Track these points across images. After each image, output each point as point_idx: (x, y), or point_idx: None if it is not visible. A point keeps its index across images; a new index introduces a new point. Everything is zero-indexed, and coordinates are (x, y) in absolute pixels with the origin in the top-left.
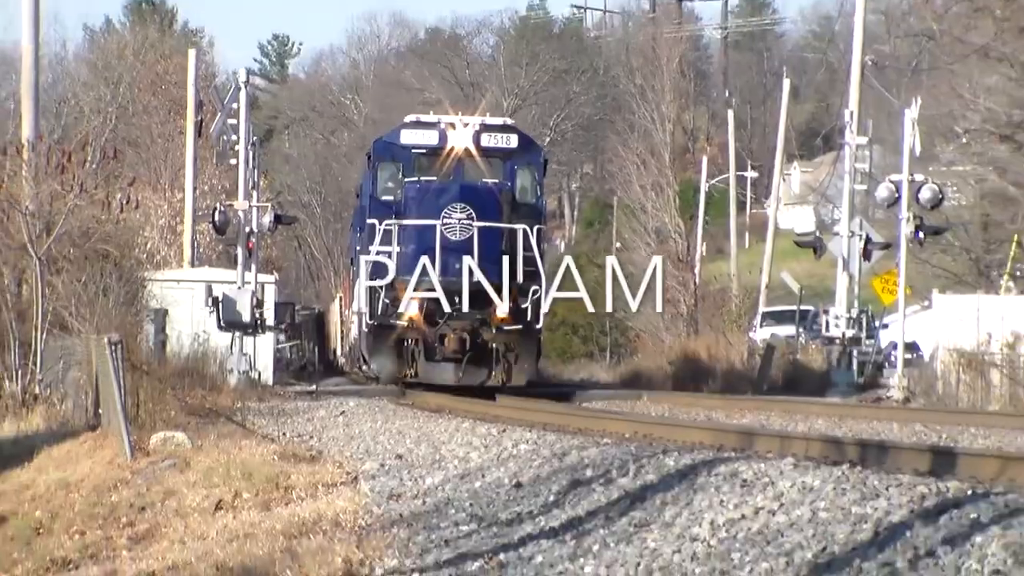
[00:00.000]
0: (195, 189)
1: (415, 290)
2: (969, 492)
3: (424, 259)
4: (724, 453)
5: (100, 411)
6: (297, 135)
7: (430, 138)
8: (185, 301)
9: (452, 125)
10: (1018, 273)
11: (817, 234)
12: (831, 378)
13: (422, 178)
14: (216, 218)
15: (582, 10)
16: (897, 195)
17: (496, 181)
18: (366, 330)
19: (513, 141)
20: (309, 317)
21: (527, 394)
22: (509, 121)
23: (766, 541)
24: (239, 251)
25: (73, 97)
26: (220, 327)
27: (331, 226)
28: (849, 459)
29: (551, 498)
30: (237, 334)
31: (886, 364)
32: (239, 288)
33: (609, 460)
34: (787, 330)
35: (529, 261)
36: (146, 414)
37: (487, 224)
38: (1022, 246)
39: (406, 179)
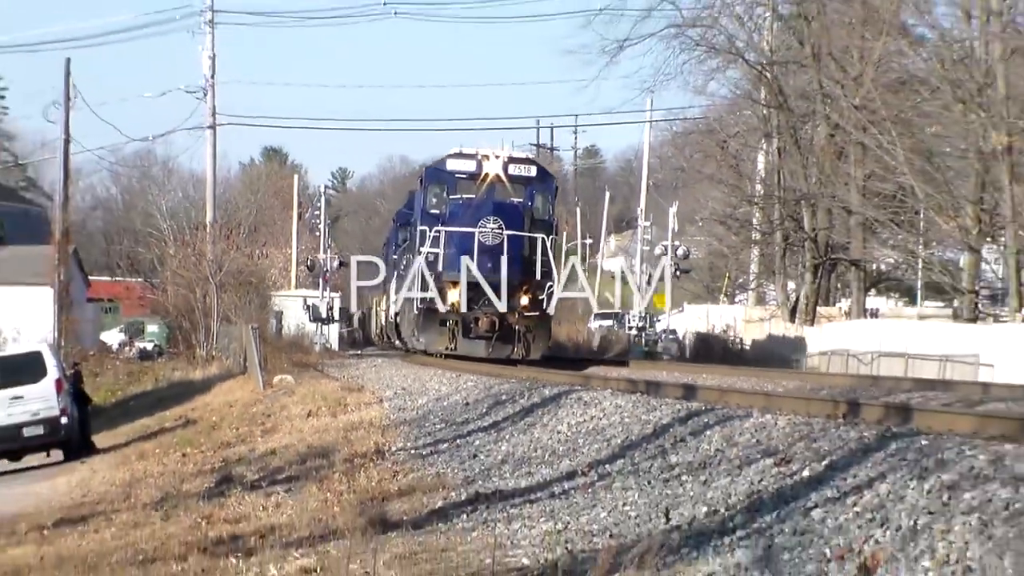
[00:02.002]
0: (297, 248)
1: (457, 282)
2: (703, 408)
3: (465, 259)
4: (575, 388)
5: (246, 364)
6: (351, 219)
7: (469, 166)
8: (292, 307)
9: (486, 156)
10: (726, 295)
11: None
12: (631, 349)
13: (463, 196)
14: (308, 263)
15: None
16: (664, 252)
17: (519, 200)
18: (416, 312)
19: (533, 171)
20: (357, 314)
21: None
22: (531, 155)
23: (596, 432)
24: (320, 281)
25: (232, 200)
26: (310, 320)
27: (369, 268)
28: (640, 390)
29: (483, 410)
30: (319, 324)
31: (659, 340)
32: (320, 300)
33: (514, 391)
34: (608, 323)
35: (545, 263)
36: (270, 366)
37: (514, 233)
38: (731, 280)
39: (450, 196)
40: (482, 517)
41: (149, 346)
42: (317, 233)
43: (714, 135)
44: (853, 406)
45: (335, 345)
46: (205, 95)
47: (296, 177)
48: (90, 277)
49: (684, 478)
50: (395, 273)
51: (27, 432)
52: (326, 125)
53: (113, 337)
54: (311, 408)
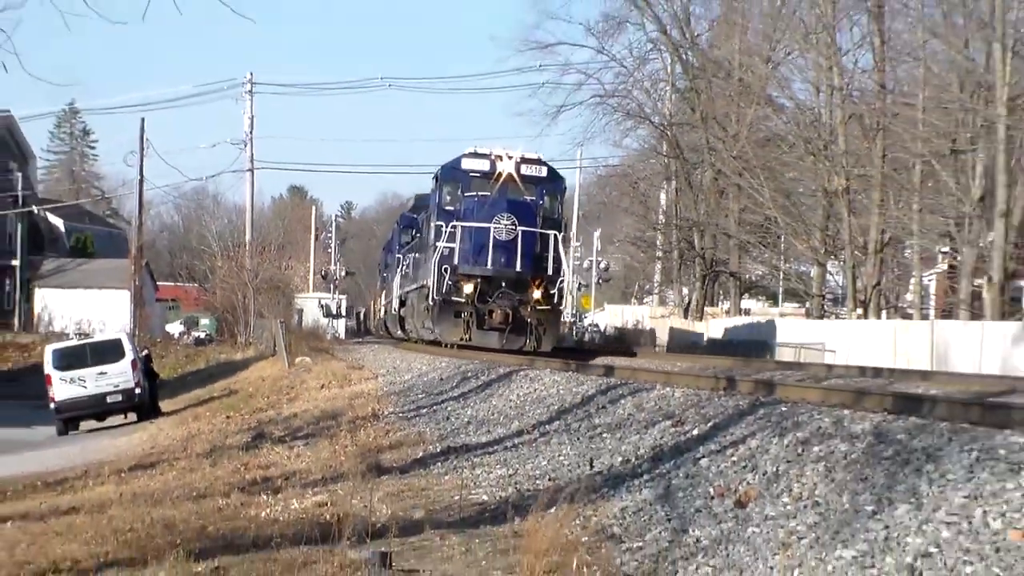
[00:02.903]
0: (314, 262)
1: (472, 275)
2: (620, 382)
3: (480, 253)
4: (522, 368)
5: (275, 349)
6: (355, 240)
7: (483, 165)
8: (310, 306)
9: (499, 156)
10: (636, 297)
11: None
12: (564, 338)
13: (478, 193)
14: (322, 273)
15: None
16: (590, 265)
17: (532, 198)
18: (431, 304)
19: (544, 171)
20: (359, 311)
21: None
22: (542, 156)
23: (539, 401)
24: (332, 286)
25: (265, 225)
26: (324, 316)
27: (367, 276)
28: (573, 368)
29: (454, 384)
30: (331, 318)
31: (586, 332)
32: (331, 300)
33: (477, 369)
34: None
35: (556, 259)
36: (293, 350)
37: (527, 229)
38: (642, 289)
39: (464, 194)
40: (452, 465)
41: (202, 335)
42: (329, 250)
43: (628, 178)
44: (731, 381)
45: (342, 335)
46: (245, 146)
47: (313, 208)
48: (158, 283)
49: (604, 435)
50: (398, 271)
51: (110, 399)
52: (337, 169)
53: (175, 328)
54: (324, 382)
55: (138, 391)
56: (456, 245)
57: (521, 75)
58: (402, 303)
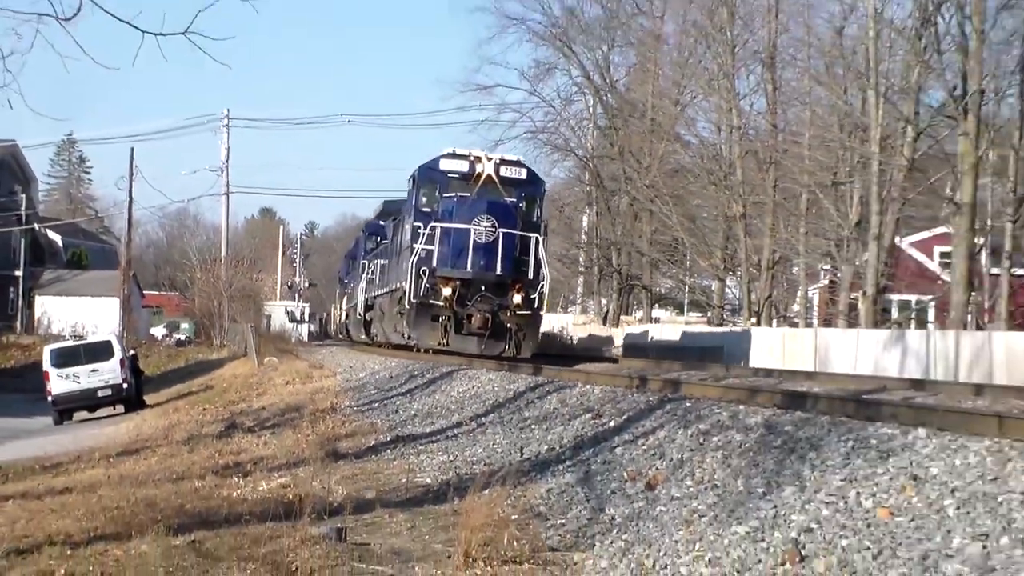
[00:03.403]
0: (281, 274)
1: (451, 278)
2: (547, 380)
3: (459, 255)
4: (462, 367)
5: (246, 350)
6: (317, 256)
7: (462, 166)
8: (277, 312)
9: (479, 158)
10: (561, 307)
11: None
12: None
13: (457, 194)
14: (288, 284)
15: None
16: None
17: (512, 200)
18: (408, 307)
19: (523, 173)
20: (321, 316)
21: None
22: (521, 158)
23: (476, 396)
24: (296, 295)
25: (239, 241)
26: (289, 321)
27: (328, 287)
28: (506, 369)
29: (402, 381)
30: (295, 323)
31: None
32: (296, 307)
33: (423, 368)
34: None
35: (536, 263)
36: (262, 351)
37: (508, 231)
38: (567, 299)
39: (443, 195)
40: (400, 452)
41: (182, 337)
42: (294, 264)
43: (555, 203)
44: (643, 380)
45: (305, 338)
46: (222, 172)
47: (281, 227)
48: (144, 291)
49: (533, 427)
50: (364, 276)
51: (100, 393)
52: (302, 193)
53: (158, 331)
54: (288, 379)
55: (125, 386)
56: (435, 247)
57: (464, 112)
58: (368, 307)
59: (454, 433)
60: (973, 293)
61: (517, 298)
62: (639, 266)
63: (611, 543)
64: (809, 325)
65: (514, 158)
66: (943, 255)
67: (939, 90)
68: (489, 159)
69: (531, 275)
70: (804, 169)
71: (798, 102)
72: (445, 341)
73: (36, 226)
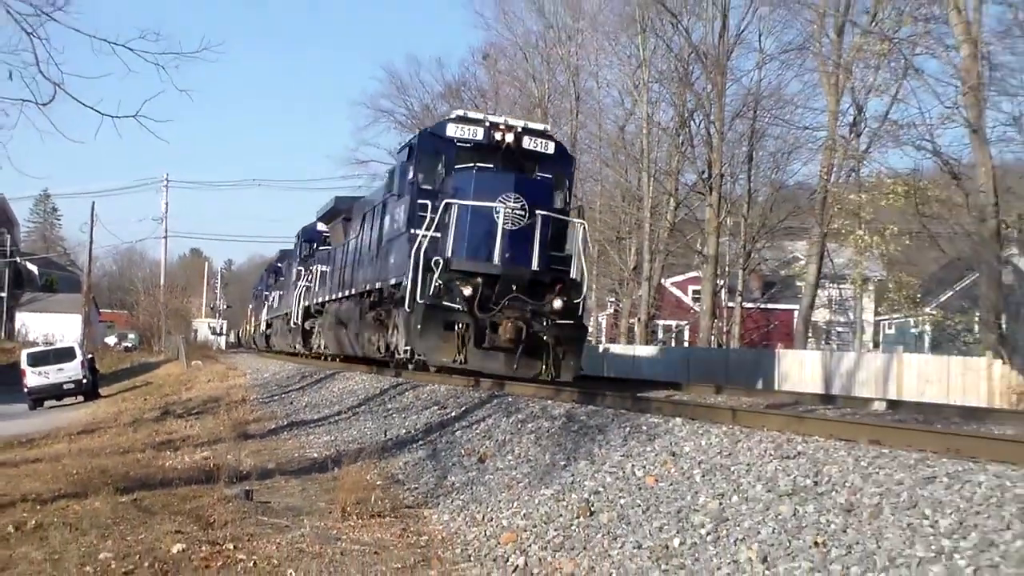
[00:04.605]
0: (205, 298)
1: (472, 274)
2: (404, 381)
3: (482, 244)
4: (341, 371)
5: (178, 355)
6: (234, 286)
7: (475, 133)
8: (202, 327)
9: (497, 124)
10: None
11: None
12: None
13: (474, 165)
14: (211, 306)
15: None
16: None
17: (546, 176)
18: (409, 311)
19: (551, 148)
20: (237, 330)
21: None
22: (548, 127)
23: (352, 392)
24: (217, 314)
25: (173, 272)
26: (211, 334)
27: (240, 308)
28: (374, 372)
29: (296, 381)
30: (216, 335)
31: None
32: (217, 323)
33: (312, 372)
34: None
35: (578, 259)
36: (190, 356)
37: (546, 214)
38: None
39: (455, 168)
40: (294, 433)
41: (129, 345)
42: (216, 291)
43: None
44: (477, 382)
45: (224, 347)
46: (162, 221)
47: (206, 263)
48: (100, 309)
49: (394, 415)
50: (297, 285)
51: (65, 386)
52: (222, 238)
53: (111, 340)
54: (210, 377)
55: (85, 381)
56: (450, 231)
57: (346, 179)
58: (307, 316)
59: (335, 420)
60: (716, 320)
61: (558, 303)
62: None
63: (452, 502)
64: (599, 342)
65: (540, 126)
66: (695, 292)
67: (692, 173)
68: (510, 127)
69: (574, 274)
70: (596, 228)
71: (592, 179)
72: (462, 357)
73: (17, 259)
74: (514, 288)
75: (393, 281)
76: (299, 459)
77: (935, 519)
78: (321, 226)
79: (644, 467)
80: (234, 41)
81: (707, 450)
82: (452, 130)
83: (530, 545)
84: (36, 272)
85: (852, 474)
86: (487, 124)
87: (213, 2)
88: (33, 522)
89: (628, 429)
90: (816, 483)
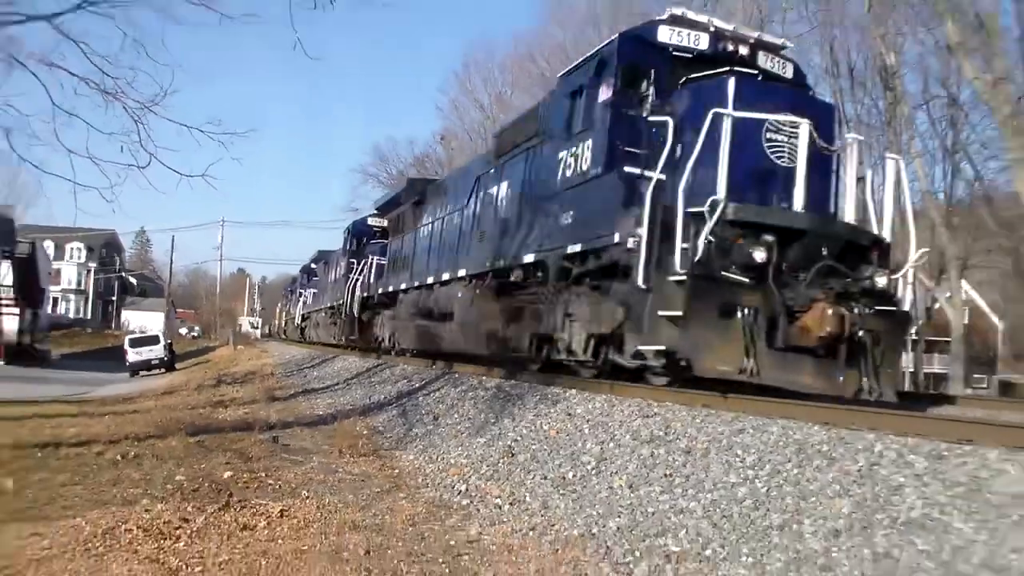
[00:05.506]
0: (247, 303)
1: (761, 225)
2: (383, 362)
3: (764, 181)
4: (340, 355)
5: (229, 342)
6: (268, 294)
7: (698, 41)
8: (245, 323)
9: (724, 32)
10: None
11: None
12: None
13: (711, 72)
14: (251, 308)
15: None
16: None
17: (825, 99)
18: (646, 287)
19: (789, 71)
20: (268, 324)
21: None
22: (788, 44)
23: (347, 369)
24: (255, 313)
25: (226, 285)
26: (251, 327)
27: (272, 307)
28: (359, 354)
29: (310, 361)
30: (253, 328)
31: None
32: (255, 320)
33: (322, 355)
34: None
35: (879, 215)
36: (235, 342)
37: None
38: None
39: (688, 79)
40: (307, 398)
41: (196, 334)
42: (254, 298)
43: None
44: (434, 363)
45: (259, 336)
46: (218, 249)
47: (247, 278)
48: (177, 309)
49: (377, 386)
50: (351, 278)
51: (153, 362)
52: (259, 260)
53: (183, 331)
54: (250, 357)
55: (165, 359)
56: (723, 157)
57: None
58: (363, 307)
59: (335, 389)
60: None
61: (881, 278)
62: None
63: (415, 446)
64: None
65: (778, 41)
66: None
67: None
68: (742, 38)
69: (884, 235)
70: None
71: None
72: (752, 364)
73: (123, 274)
74: (823, 251)
75: (575, 248)
76: (310, 415)
77: (744, 457)
78: (372, 220)
79: (549, 423)
80: (270, 120)
81: (592, 411)
82: (665, 34)
83: (470, 476)
84: (135, 283)
85: (690, 428)
86: (711, 28)
87: (256, 96)
88: (133, 453)
89: (538, 397)
90: (666, 434)
